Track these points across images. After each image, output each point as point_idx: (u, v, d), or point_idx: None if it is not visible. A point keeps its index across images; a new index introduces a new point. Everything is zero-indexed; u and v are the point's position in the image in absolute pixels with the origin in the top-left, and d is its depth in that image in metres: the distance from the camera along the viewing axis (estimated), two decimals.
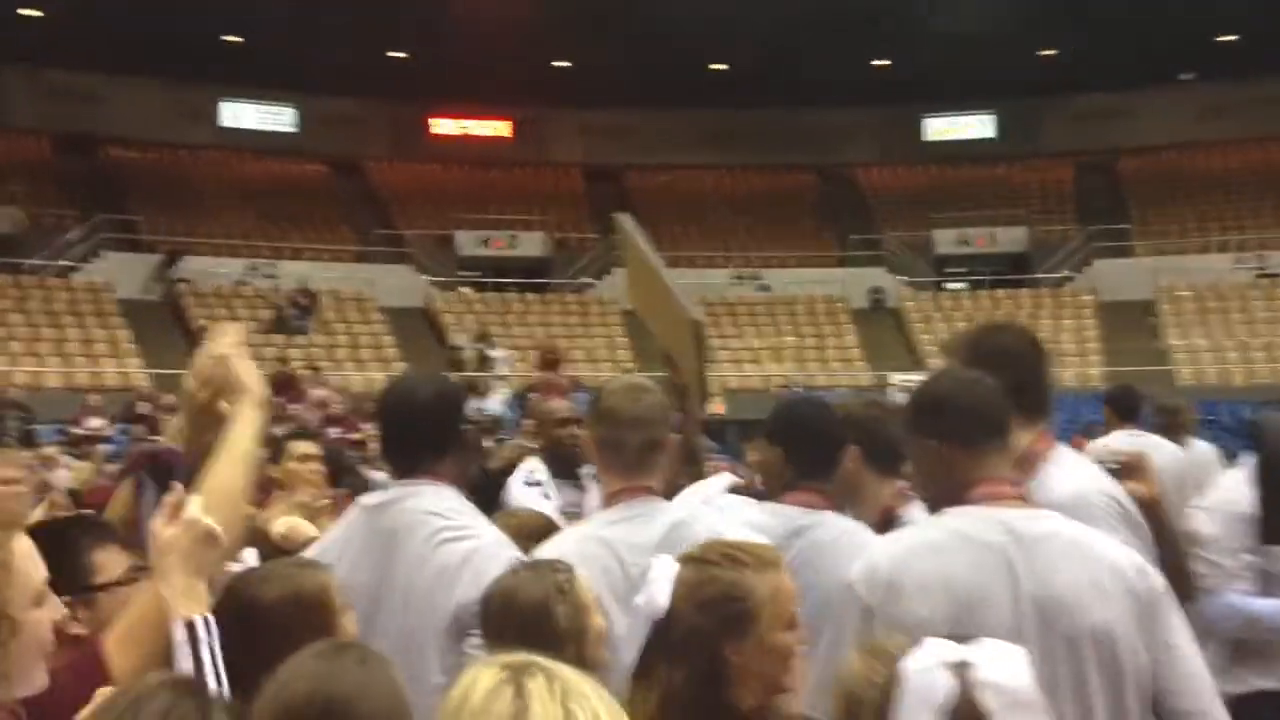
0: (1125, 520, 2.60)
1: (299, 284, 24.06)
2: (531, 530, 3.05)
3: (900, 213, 28.91)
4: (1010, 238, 27.69)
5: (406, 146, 29.53)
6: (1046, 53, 26.61)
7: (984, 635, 2.09)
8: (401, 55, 26.54)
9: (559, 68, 27.32)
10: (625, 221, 4.82)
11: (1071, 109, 28.39)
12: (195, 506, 1.99)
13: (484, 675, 1.29)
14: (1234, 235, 26.25)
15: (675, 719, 1.87)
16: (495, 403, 19.17)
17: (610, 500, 2.73)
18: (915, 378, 19.31)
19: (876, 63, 27.30)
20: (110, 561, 2.17)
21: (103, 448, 13.17)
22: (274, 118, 28.89)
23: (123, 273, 23.31)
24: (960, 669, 1.67)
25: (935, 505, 2.43)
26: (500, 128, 30.18)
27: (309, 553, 2.76)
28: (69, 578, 1.99)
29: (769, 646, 1.91)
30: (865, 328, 25.43)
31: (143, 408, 15.33)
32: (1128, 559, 2.30)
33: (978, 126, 29.93)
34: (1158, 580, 2.28)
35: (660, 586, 1.95)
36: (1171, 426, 6.63)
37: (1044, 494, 2.62)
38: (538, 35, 25.16)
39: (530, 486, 4.92)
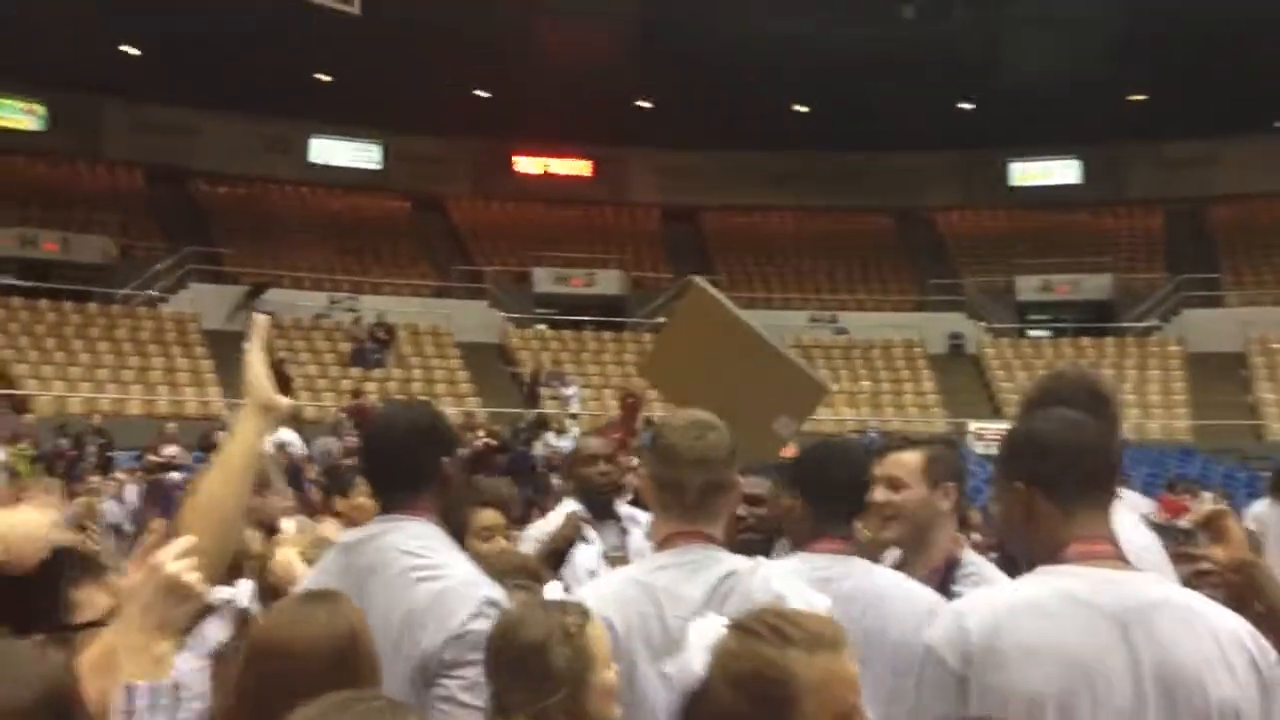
0: None
1: (378, 318, 24.37)
2: (507, 568, 2.96)
3: (981, 257, 28.52)
4: (1095, 285, 27.14)
5: (488, 184, 29.89)
6: (1134, 98, 26.16)
7: (1102, 711, 1.95)
8: (485, 94, 26.92)
9: (639, 108, 27.49)
10: (702, 286, 4.63)
11: (1159, 155, 27.86)
12: (171, 550, 1.78)
13: None
14: None
15: None
16: (567, 441, 19.15)
17: (663, 544, 2.53)
18: (994, 425, 18.88)
19: (960, 105, 27.06)
20: (90, 600, 2.08)
21: (174, 475, 13.38)
22: (360, 154, 29.46)
23: (208, 304, 23.79)
24: None
25: (1014, 558, 2.25)
26: (581, 167, 30.42)
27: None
28: (45, 616, 1.93)
29: None
30: (943, 373, 25.05)
31: (219, 437, 15.54)
32: (1244, 629, 2.10)
33: (1063, 171, 29.48)
34: (1273, 654, 2.08)
35: (697, 652, 1.75)
36: None
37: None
38: (618, 75, 25.35)
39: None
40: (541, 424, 19.99)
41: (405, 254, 28.43)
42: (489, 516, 4.12)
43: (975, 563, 3.03)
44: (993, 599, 2.14)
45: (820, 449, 3.14)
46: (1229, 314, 25.22)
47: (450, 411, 22.42)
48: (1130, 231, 28.77)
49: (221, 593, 2.07)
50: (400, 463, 2.65)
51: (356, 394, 20.59)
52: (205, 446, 15.39)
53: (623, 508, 4.73)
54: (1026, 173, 29.57)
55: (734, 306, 4.59)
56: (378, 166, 29.56)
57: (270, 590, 2.97)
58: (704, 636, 1.76)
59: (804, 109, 27.35)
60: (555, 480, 17.13)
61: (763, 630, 1.74)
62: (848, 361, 25.60)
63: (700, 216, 30.05)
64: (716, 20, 24.00)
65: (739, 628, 1.77)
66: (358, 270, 27.37)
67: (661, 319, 27.22)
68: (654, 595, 2.43)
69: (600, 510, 4.72)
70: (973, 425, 22.46)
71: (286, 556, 3.37)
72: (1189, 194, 27.75)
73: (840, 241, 29.28)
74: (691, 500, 2.50)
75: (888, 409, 23.68)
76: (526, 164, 30.19)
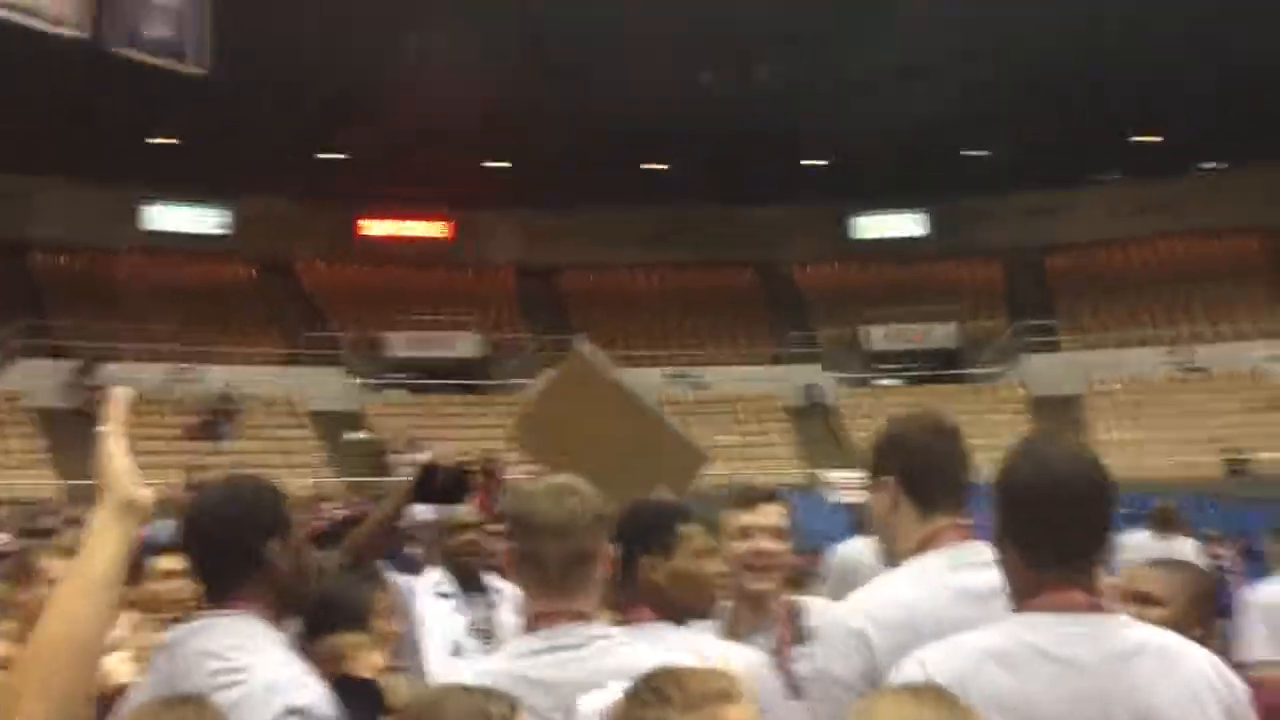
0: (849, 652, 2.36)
1: (224, 389, 23.63)
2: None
3: (833, 310, 29.10)
4: (941, 334, 27.92)
5: (340, 247, 29.38)
6: (975, 154, 27.13)
7: None
8: (336, 156, 26.52)
9: (495, 168, 27.42)
10: (582, 350, 4.55)
11: (1000, 208, 28.89)
12: None
13: None
14: (1162, 330, 26.62)
15: None
16: (428, 510, 18.70)
17: (534, 624, 2.32)
18: (847, 475, 18.97)
19: (812, 162, 27.69)
20: None
21: None
22: (203, 219, 28.66)
23: (39, 380, 22.76)
24: None
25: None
26: (436, 228, 30.16)
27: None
28: None
29: None
30: (800, 425, 25.38)
31: (46, 521, 14.75)
32: (1212, 666, 2.04)
33: (909, 225, 30.36)
34: (1244, 693, 2.04)
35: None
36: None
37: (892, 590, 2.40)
38: (474, 136, 25.26)
39: (441, 599, 4.49)
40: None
41: (253, 321, 27.69)
42: (388, 597, 3.90)
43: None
44: (957, 648, 2.03)
45: (643, 504, 2.95)
46: (1067, 358, 26.17)
47: (302, 484, 21.79)
48: (973, 281, 29.71)
49: None
50: (216, 549, 2.39)
51: (204, 469, 19.87)
52: (32, 532, 14.58)
53: (491, 579, 4.51)
54: (873, 226, 30.35)
55: (616, 371, 4.45)
56: (222, 231, 28.79)
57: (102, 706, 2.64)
58: (594, 705, 1.71)
59: (660, 167, 27.65)
60: (415, 550, 16.76)
61: (644, 693, 1.67)
62: (708, 417, 25.71)
63: (559, 276, 30.03)
64: (571, 81, 24.16)
65: (631, 693, 1.69)
66: (203, 340, 26.53)
67: (521, 380, 27.04)
68: (528, 688, 2.19)
69: (467, 581, 4.52)
70: (828, 475, 22.77)
71: (112, 660, 3.09)
72: (1029, 244, 28.81)
73: (699, 297, 29.56)
74: (554, 574, 2.28)
75: (745, 463, 23.84)
76: (380, 226, 29.79)
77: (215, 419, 22.87)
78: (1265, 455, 22.10)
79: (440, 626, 4.43)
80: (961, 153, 26.80)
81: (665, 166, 27.57)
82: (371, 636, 3.13)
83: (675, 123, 24.58)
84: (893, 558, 2.49)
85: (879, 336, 27.98)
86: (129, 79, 21.53)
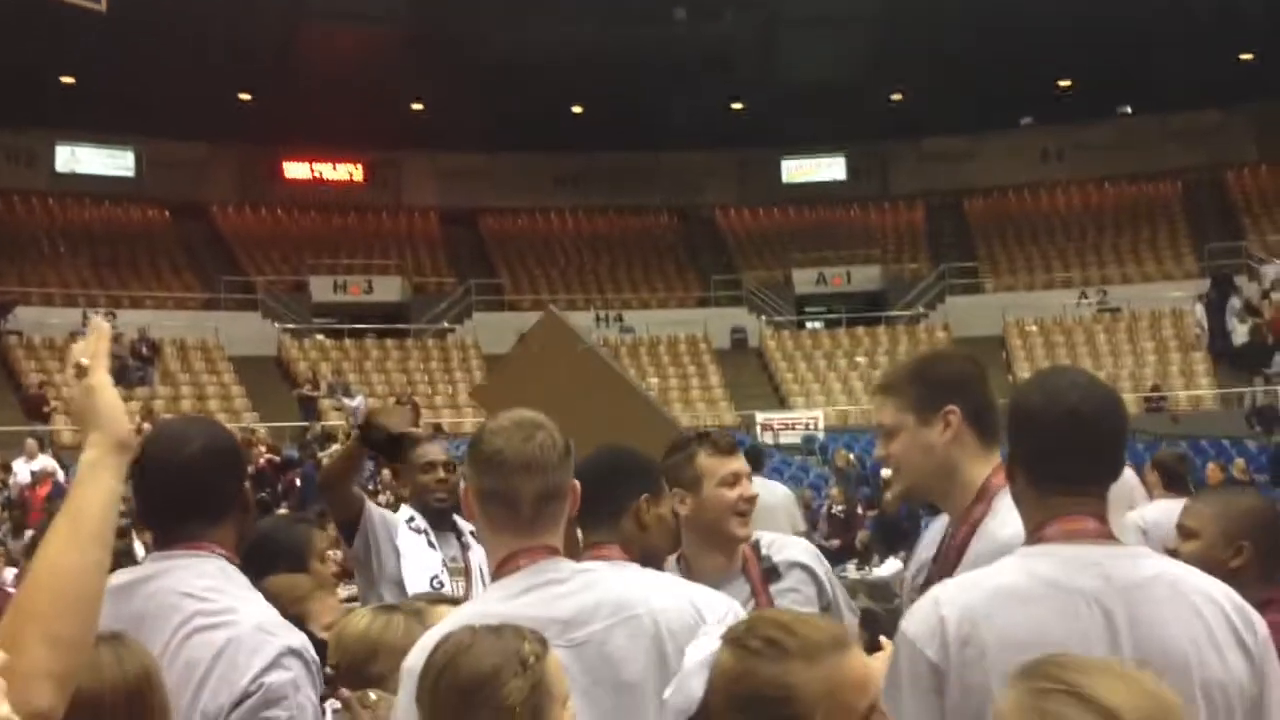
0: None
1: (140, 333, 22.94)
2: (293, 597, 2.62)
3: (760, 253, 29.20)
4: (866, 276, 28.20)
5: (255, 191, 28.64)
6: (894, 97, 27.31)
7: None
8: (248, 98, 25.75)
9: (413, 110, 26.89)
10: (556, 315, 4.53)
11: (918, 152, 29.17)
12: None
13: None
14: (1076, 272, 27.20)
15: None
16: None
17: (504, 566, 2.18)
18: (779, 415, 19.37)
19: (733, 105, 27.62)
20: None
21: None
22: (112, 161, 27.70)
23: None
24: None
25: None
26: (353, 171, 29.53)
27: None
28: None
29: None
30: (728, 367, 25.48)
31: None
32: (1228, 599, 2.01)
33: (830, 168, 30.51)
34: (1263, 627, 2.00)
35: (695, 675, 1.58)
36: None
37: (991, 531, 2.35)
38: (391, 77, 24.72)
39: (416, 534, 4.39)
40: (329, 437, 19.21)
41: (167, 265, 26.91)
42: (329, 537, 3.75)
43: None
44: (970, 586, 1.99)
45: (596, 455, 2.84)
46: (987, 299, 26.62)
47: (230, 428, 21.33)
48: (895, 225, 30.03)
49: None
50: (193, 490, 2.23)
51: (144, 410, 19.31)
52: None
53: (462, 520, 4.41)
54: (797, 170, 30.46)
55: (587, 339, 4.39)
56: (131, 174, 27.86)
57: None
58: (700, 656, 1.61)
59: (579, 109, 27.34)
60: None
61: (758, 645, 1.60)
62: (635, 359, 25.70)
63: (479, 219, 29.65)
64: (490, 22, 23.73)
65: (735, 643, 1.62)
66: (115, 284, 25.72)
67: (443, 325, 26.73)
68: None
69: (438, 521, 4.43)
70: (760, 416, 22.94)
71: None
72: (948, 188, 29.16)
73: (623, 241, 29.45)
74: (526, 512, 2.16)
75: (676, 404, 23.88)
76: (296, 169, 29.07)
77: (133, 363, 22.19)
78: (1182, 393, 22.78)
79: (419, 561, 4.34)
80: (879, 97, 26.96)
81: (582, 109, 27.28)
82: (310, 578, 3.04)
83: (591, 65, 24.32)
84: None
85: (805, 279, 28.17)
86: (34, 19, 20.68)
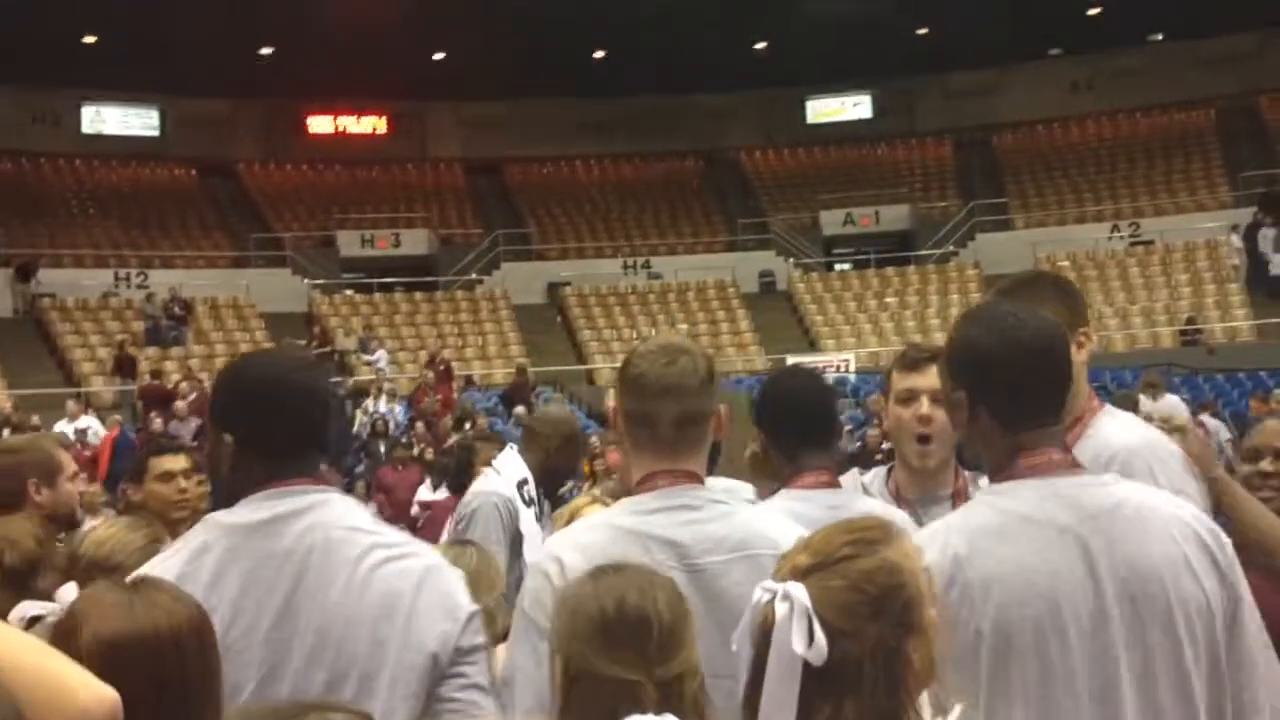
0: (1193, 473, 2.43)
1: (171, 292, 23.10)
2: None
3: (786, 195, 28.99)
4: (894, 216, 27.96)
5: (280, 146, 28.63)
6: (920, 32, 26.89)
7: (1069, 631, 1.90)
8: (269, 51, 25.67)
9: (435, 61, 26.73)
10: None
11: (945, 87, 28.76)
12: None
13: None
14: (1108, 205, 26.87)
15: None
16: (383, 405, 18.70)
17: (643, 485, 2.22)
18: (811, 358, 19.28)
19: (756, 46, 27.29)
20: None
21: None
22: (137, 120, 27.74)
23: None
24: None
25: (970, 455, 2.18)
26: (376, 124, 29.45)
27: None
28: None
29: (930, 628, 1.58)
30: (757, 311, 25.40)
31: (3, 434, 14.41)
32: (1196, 519, 2.05)
33: (855, 107, 30.16)
34: (1228, 542, 2.04)
35: (800, 623, 1.53)
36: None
37: (1100, 444, 2.42)
38: (411, 27, 24.53)
39: (528, 505, 4.35)
40: (361, 391, 19.35)
41: (195, 224, 27.01)
42: None
43: None
44: (948, 530, 2.02)
45: (785, 376, 2.94)
46: (1018, 236, 26.34)
47: None
48: (923, 162, 29.71)
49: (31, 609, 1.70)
50: (308, 419, 2.16)
51: (155, 375, 19.50)
52: None
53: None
54: (822, 109, 30.12)
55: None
56: (156, 133, 27.90)
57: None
58: (796, 605, 1.55)
59: (601, 54, 27.11)
60: (382, 446, 16.64)
61: (847, 551, 1.58)
62: (664, 305, 25.69)
63: (505, 169, 29.55)
64: None
65: (817, 568, 1.58)
66: (145, 244, 25.87)
67: (472, 276, 26.73)
68: (647, 544, 2.12)
69: (555, 491, 4.60)
70: (790, 360, 22.89)
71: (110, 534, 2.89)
72: (975, 123, 28.77)
73: (648, 186, 29.29)
74: (666, 435, 2.20)
75: (707, 350, 23.86)
76: (320, 123, 29.02)
77: (166, 322, 22.37)
78: (1218, 325, 22.55)
79: (535, 540, 4.27)
80: (904, 32, 26.54)
81: (604, 54, 27.03)
82: None
83: (611, 9, 24.04)
84: None
85: (833, 221, 27.95)
86: None
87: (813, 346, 24.12)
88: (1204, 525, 2.04)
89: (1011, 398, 2.02)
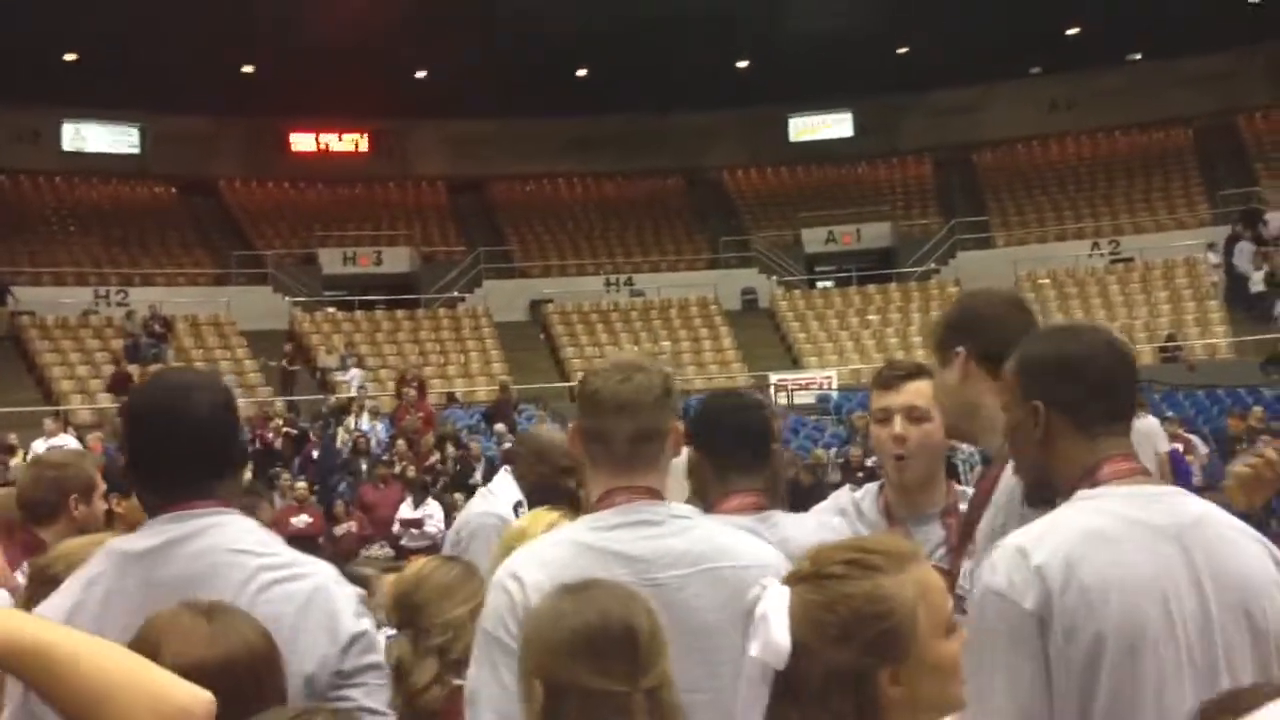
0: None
1: (152, 310, 23.00)
2: None
3: (768, 213, 29.08)
4: (876, 234, 28.07)
5: (262, 164, 28.57)
6: (900, 51, 27.05)
7: (1180, 633, 1.89)
8: (252, 70, 25.64)
9: (417, 79, 26.75)
10: None
11: (926, 106, 28.92)
12: None
13: None
14: (1088, 223, 27.04)
15: None
16: (364, 422, 18.66)
17: (602, 502, 2.24)
18: (794, 376, 19.29)
19: (738, 65, 27.40)
20: None
21: None
22: (118, 138, 27.66)
23: None
24: None
25: (1037, 485, 2.15)
26: (359, 141, 29.44)
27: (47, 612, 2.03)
28: None
29: (932, 663, 1.53)
30: (740, 329, 25.44)
31: None
32: (1259, 537, 2.07)
33: (837, 126, 30.29)
34: None
35: (776, 623, 1.53)
36: None
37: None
38: (394, 46, 24.55)
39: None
40: (342, 409, 19.28)
41: (176, 242, 26.93)
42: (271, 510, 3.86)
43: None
44: (1054, 532, 1.97)
45: (717, 399, 2.94)
46: (999, 253, 26.48)
47: (241, 403, 21.38)
48: (904, 180, 29.85)
49: None
50: (203, 442, 2.11)
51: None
52: None
53: None
54: (804, 128, 30.25)
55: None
56: (137, 150, 27.82)
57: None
58: (775, 604, 1.55)
59: (584, 73, 27.17)
60: (364, 464, 16.58)
61: (840, 569, 1.56)
62: (646, 323, 25.70)
63: (487, 186, 29.56)
64: None
65: (811, 578, 1.57)
66: (125, 262, 25.77)
67: (455, 294, 26.69)
68: (607, 560, 2.12)
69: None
70: (774, 377, 22.92)
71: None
72: (956, 141, 28.94)
73: (631, 204, 29.35)
74: (621, 451, 2.22)
75: (689, 368, 23.89)
76: (302, 141, 28.99)
77: (146, 340, 22.26)
78: (1198, 342, 22.68)
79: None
80: (885, 51, 26.70)
81: (587, 72, 27.10)
82: None
83: (594, 28, 24.11)
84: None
85: (815, 239, 28.05)
86: None
87: (795, 363, 24.17)
88: (1263, 539, 2.06)
89: (1093, 397, 2.03)
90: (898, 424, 2.84)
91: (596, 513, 2.23)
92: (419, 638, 2.66)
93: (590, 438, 2.26)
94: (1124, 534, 1.94)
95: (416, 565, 3.01)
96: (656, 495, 2.24)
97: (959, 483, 3.04)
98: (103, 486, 3.65)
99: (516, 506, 4.35)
